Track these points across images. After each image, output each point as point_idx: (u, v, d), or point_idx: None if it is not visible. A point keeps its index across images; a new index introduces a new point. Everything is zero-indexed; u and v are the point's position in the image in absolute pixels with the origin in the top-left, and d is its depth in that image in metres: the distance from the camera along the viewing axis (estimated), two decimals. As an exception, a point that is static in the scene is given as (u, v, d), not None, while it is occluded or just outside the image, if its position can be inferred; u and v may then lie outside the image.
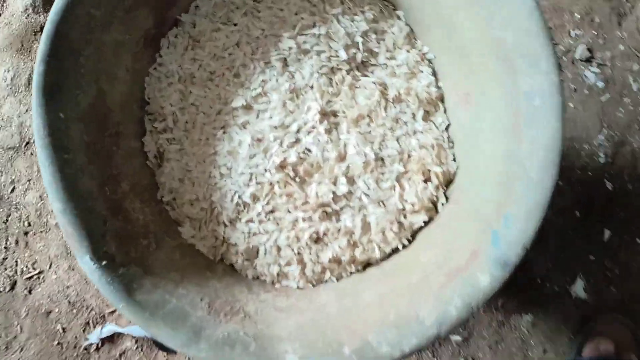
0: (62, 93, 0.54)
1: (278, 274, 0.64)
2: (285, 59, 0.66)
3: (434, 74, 0.68)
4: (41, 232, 0.69)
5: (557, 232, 0.69)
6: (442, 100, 0.68)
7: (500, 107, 0.54)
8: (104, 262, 0.53)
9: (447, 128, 0.67)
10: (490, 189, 0.54)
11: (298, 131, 0.65)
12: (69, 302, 0.67)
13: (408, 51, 0.68)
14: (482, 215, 0.53)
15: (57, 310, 0.67)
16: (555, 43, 0.69)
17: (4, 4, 0.65)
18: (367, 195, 0.63)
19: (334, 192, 0.63)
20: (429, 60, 0.69)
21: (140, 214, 0.62)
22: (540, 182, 0.49)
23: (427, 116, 0.67)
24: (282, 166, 0.64)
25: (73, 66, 0.55)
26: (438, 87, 0.68)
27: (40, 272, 0.68)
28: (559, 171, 0.48)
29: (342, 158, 0.64)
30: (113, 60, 0.61)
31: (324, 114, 0.65)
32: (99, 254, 0.53)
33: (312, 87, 0.65)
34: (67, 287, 0.68)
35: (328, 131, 0.64)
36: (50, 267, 0.68)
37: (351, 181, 0.64)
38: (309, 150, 0.64)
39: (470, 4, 0.54)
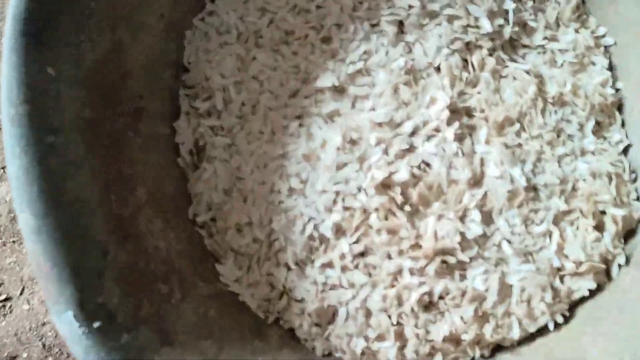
0: (56, 36, 0.43)
1: (363, 353, 0.53)
2: (401, 22, 0.57)
3: (612, 68, 0.60)
4: (13, 242, 0.61)
5: None
6: (621, 109, 0.59)
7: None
8: (96, 324, 0.39)
9: (625, 150, 0.58)
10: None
11: (413, 133, 0.54)
12: (44, 346, 0.59)
13: (577, 31, 0.60)
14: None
15: (25, 355, 0.59)
16: None
17: None
18: (509, 242, 0.53)
19: (461, 234, 0.53)
20: (606, 48, 0.61)
21: (162, 240, 0.50)
22: None
23: (599, 130, 0.59)
24: (385, 185, 0.53)
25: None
26: (617, 89, 0.60)
27: (7, 299, 0.60)
28: None
29: (477, 181, 0.54)
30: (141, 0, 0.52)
31: (453, 111, 0.55)
32: (89, 307, 0.38)
33: (438, 68, 0.56)
34: (43, 325, 0.60)
35: (459, 138, 0.54)
36: (21, 292, 0.60)
37: (488, 218, 0.53)
38: (428, 165, 0.54)
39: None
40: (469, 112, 0.57)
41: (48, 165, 0.40)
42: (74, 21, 0.45)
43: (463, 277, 0.54)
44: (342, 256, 0.53)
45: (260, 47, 0.58)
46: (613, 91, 0.58)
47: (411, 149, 0.55)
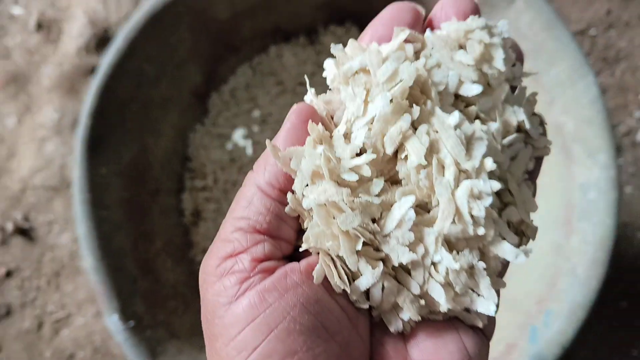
0: (106, 148, 0.57)
1: None
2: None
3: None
4: (72, 275, 0.70)
5: (601, 323, 0.67)
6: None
7: (553, 197, 0.53)
8: (131, 323, 0.55)
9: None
10: (533, 281, 0.54)
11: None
12: (94, 348, 0.69)
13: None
14: (522, 307, 0.53)
15: (81, 354, 0.68)
16: (616, 124, 0.70)
17: (57, 44, 0.65)
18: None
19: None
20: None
21: (171, 273, 0.64)
22: (587, 281, 0.49)
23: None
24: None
25: (119, 121, 0.58)
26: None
27: (68, 315, 0.69)
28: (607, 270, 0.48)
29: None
30: (159, 116, 0.63)
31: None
32: (127, 314, 0.54)
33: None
34: (93, 333, 0.69)
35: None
36: (78, 310, 0.69)
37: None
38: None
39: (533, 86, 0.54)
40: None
41: (102, 229, 0.55)
42: (117, 136, 0.58)
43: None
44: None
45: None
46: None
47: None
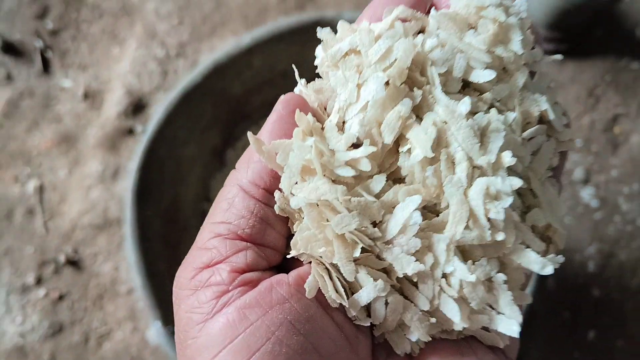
0: (150, 195, 0.68)
1: None
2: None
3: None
4: (113, 297, 0.80)
5: (547, 329, 0.76)
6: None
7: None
8: (170, 327, 0.64)
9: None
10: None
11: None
12: (131, 358, 0.78)
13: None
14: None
15: None
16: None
17: (100, 110, 0.83)
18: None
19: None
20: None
21: None
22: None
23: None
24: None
25: (159, 175, 0.69)
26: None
27: (109, 331, 0.79)
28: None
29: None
30: (188, 170, 0.75)
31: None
32: (167, 321, 0.65)
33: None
34: (130, 345, 0.78)
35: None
36: (118, 327, 0.78)
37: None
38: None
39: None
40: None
41: (147, 257, 0.66)
42: (157, 186, 0.70)
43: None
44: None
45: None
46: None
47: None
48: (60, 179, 0.79)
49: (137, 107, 0.81)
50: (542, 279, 0.70)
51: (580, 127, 0.79)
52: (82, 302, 0.77)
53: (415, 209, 0.25)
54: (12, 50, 0.82)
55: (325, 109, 0.28)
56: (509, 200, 0.24)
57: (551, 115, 0.27)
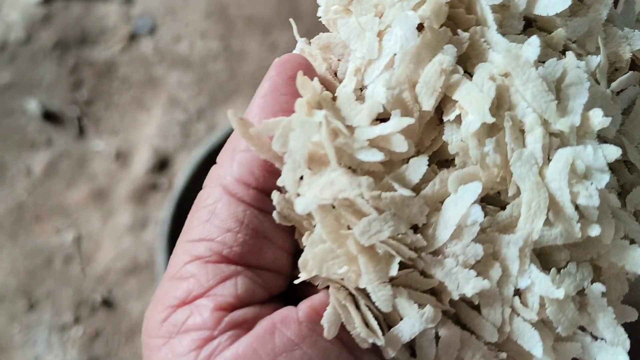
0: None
1: None
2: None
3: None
4: (141, 333, 0.84)
5: None
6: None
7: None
8: None
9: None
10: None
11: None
12: None
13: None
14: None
15: None
16: None
17: (130, 168, 0.93)
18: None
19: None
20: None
21: None
22: None
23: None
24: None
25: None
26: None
27: None
28: None
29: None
30: None
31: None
32: None
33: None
34: None
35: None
36: None
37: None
38: None
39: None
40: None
41: None
42: None
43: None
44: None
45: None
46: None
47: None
48: (95, 229, 0.90)
49: (162, 165, 0.93)
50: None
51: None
52: (116, 338, 0.85)
53: (475, 202, 0.17)
54: (52, 118, 0.97)
55: (336, 74, 0.21)
56: (604, 178, 0.17)
57: None
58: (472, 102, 0.17)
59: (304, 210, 0.18)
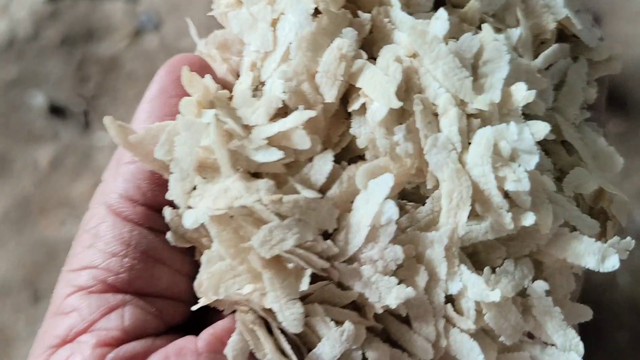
0: None
1: None
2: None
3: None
4: None
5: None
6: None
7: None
8: None
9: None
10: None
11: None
12: None
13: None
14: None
15: None
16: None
17: None
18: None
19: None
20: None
21: None
22: None
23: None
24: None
25: None
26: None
27: None
28: None
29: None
30: None
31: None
32: None
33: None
34: None
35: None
36: None
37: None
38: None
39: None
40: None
41: None
42: None
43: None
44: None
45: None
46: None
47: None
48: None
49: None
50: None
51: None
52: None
53: (387, 197, 0.15)
54: (59, 112, 0.92)
55: (238, 75, 0.19)
56: (533, 159, 0.15)
57: (577, 26, 0.18)
58: (377, 87, 0.15)
59: (193, 224, 0.15)
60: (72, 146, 0.88)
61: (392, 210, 0.15)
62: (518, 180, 0.15)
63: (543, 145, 0.17)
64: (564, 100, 0.18)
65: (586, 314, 0.16)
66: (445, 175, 0.15)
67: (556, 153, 0.17)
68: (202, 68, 0.18)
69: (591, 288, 0.71)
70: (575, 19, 0.18)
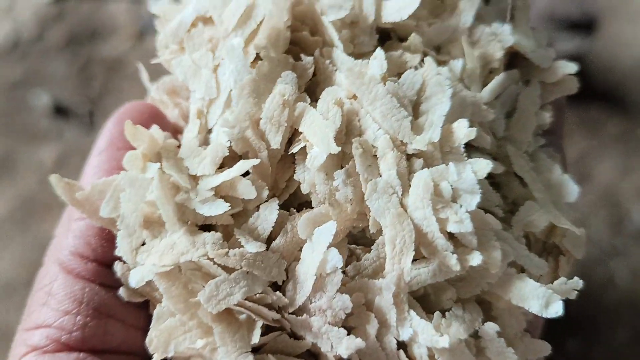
0: None
1: None
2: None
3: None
4: None
5: None
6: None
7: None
8: None
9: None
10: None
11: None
12: None
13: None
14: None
15: None
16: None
17: None
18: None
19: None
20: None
21: None
22: None
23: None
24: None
25: None
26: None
27: None
28: None
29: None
30: None
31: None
32: None
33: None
34: None
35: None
36: None
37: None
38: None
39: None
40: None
41: None
42: None
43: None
44: None
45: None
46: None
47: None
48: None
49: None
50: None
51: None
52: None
53: (332, 245, 0.15)
54: (63, 112, 0.94)
55: None
56: (474, 199, 0.15)
57: (525, 48, 0.17)
58: (316, 132, 0.15)
59: (139, 283, 0.15)
60: (76, 146, 0.90)
61: (336, 258, 0.15)
62: (460, 221, 0.14)
63: (494, 178, 0.17)
64: (516, 128, 0.17)
65: (544, 349, 0.16)
66: (387, 221, 0.15)
67: (508, 185, 0.17)
68: (152, 116, 0.18)
69: (591, 286, 0.70)
70: (527, 41, 0.17)
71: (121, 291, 0.16)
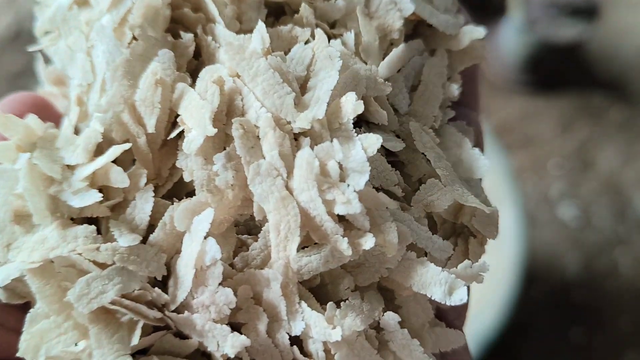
0: None
1: None
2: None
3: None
4: None
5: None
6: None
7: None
8: None
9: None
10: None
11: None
12: None
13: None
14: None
15: None
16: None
17: None
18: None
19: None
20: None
21: None
22: None
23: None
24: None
25: None
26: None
27: None
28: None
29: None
30: None
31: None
32: None
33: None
34: None
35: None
36: None
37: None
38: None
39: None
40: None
41: None
42: None
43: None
44: None
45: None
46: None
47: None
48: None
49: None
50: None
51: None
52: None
53: (215, 236, 0.14)
54: None
55: None
56: (363, 177, 0.13)
57: (426, 15, 0.16)
58: (193, 113, 0.14)
59: (4, 281, 0.14)
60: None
61: (214, 249, 0.13)
62: (347, 202, 0.13)
63: (397, 156, 0.15)
64: (420, 102, 0.16)
65: (458, 339, 0.15)
66: (271, 205, 0.14)
67: (413, 163, 0.15)
68: (37, 107, 0.17)
69: (593, 274, 0.69)
70: (424, 7, 0.16)
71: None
